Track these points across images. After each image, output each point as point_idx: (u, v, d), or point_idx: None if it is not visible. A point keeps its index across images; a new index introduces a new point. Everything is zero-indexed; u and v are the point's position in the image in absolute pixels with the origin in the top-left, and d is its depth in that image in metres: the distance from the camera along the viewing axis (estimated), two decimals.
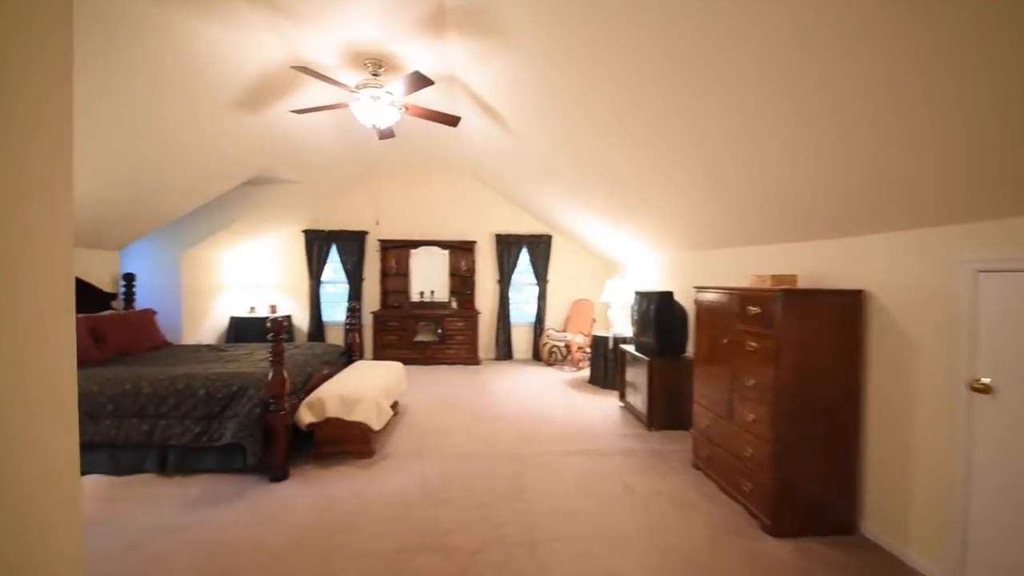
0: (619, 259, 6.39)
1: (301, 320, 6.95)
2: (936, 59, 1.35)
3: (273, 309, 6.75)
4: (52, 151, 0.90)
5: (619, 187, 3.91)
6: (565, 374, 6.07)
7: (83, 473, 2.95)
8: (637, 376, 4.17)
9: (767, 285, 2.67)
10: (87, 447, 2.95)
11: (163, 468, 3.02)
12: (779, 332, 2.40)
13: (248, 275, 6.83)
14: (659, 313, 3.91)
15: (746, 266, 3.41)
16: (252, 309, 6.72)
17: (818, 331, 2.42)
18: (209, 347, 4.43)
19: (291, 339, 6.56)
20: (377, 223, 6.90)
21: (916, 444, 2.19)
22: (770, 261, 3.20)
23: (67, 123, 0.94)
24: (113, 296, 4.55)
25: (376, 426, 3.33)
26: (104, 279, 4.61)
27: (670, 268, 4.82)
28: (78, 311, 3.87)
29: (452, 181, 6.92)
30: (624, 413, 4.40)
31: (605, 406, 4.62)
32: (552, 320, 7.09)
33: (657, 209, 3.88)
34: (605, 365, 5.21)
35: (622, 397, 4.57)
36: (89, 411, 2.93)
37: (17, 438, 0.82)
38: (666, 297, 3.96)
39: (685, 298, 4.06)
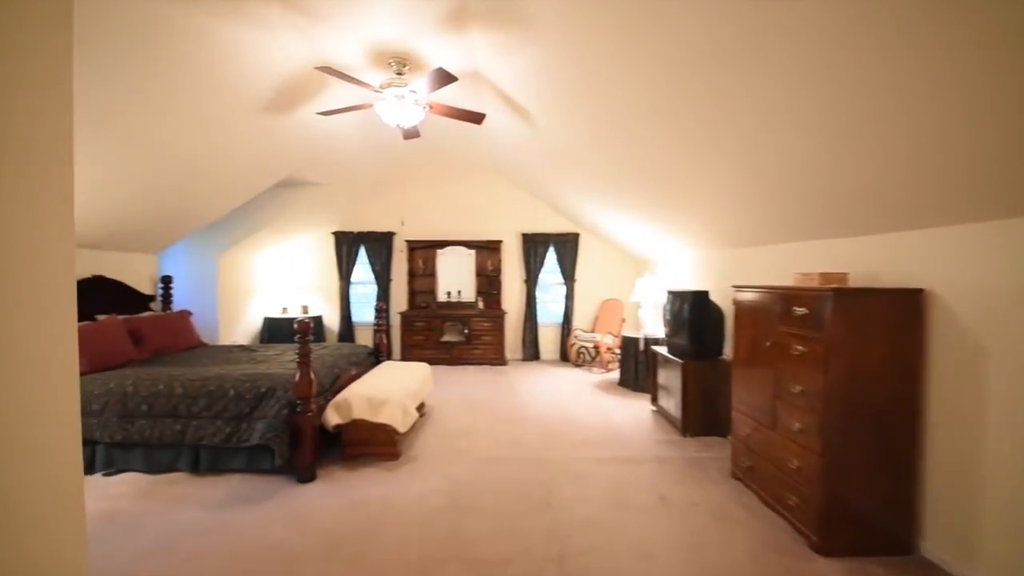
0: (650, 257, 6.19)
1: (332, 320, 7.05)
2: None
3: (305, 310, 6.87)
4: (52, 153, 0.87)
5: (651, 181, 3.75)
6: (594, 376, 5.92)
7: (119, 471, 3.04)
8: (670, 379, 4.00)
9: (815, 284, 2.48)
10: (123, 446, 3.03)
11: (195, 467, 3.07)
12: (829, 335, 2.21)
13: (281, 276, 6.97)
14: (693, 313, 3.73)
15: (789, 264, 3.20)
16: (285, 310, 6.85)
17: (872, 334, 2.22)
18: (241, 348, 4.51)
19: (321, 340, 6.66)
20: (402, 223, 6.92)
21: (987, 459, 1.97)
22: (816, 258, 2.98)
23: (67, 124, 0.91)
24: (152, 298, 4.70)
25: (402, 429, 3.30)
26: (143, 282, 4.77)
27: (704, 266, 4.61)
28: (119, 312, 4.04)
29: (477, 180, 6.87)
30: (656, 418, 4.23)
31: (636, 410, 4.46)
32: (580, 320, 6.94)
33: (692, 204, 3.70)
34: (636, 367, 5.04)
35: (654, 401, 4.40)
36: (125, 411, 3.00)
37: (17, 439, 0.80)
38: (701, 297, 3.77)
39: (721, 298, 3.87)
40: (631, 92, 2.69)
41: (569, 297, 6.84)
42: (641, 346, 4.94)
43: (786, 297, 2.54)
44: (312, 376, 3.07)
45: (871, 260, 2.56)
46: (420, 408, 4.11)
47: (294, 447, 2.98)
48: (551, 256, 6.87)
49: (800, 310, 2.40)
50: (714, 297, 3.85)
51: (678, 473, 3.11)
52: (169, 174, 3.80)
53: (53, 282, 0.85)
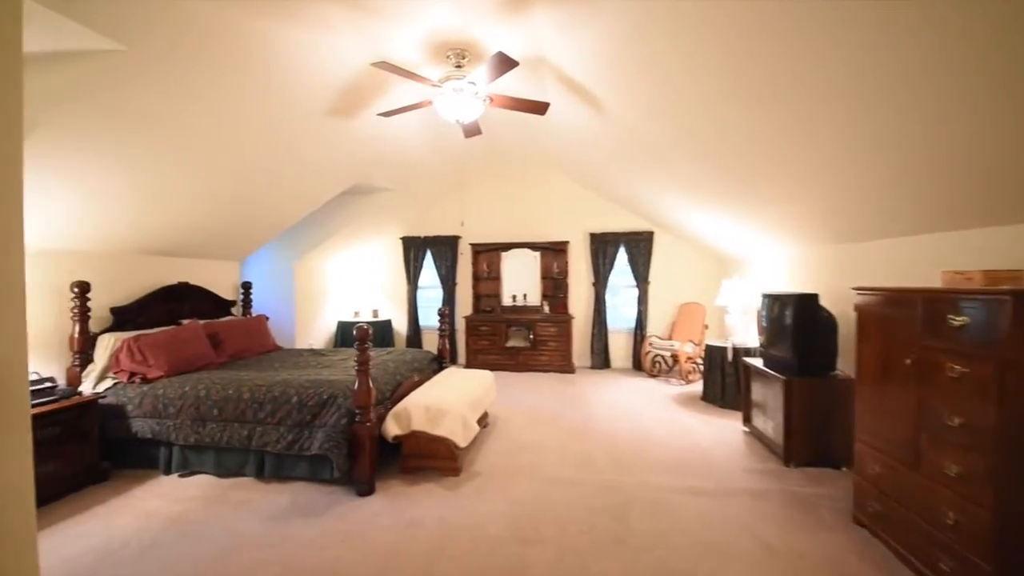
0: (738, 256, 5.52)
1: (400, 324, 7.11)
2: None
3: (375, 313, 6.99)
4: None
5: (741, 166, 3.25)
6: (671, 387, 5.38)
7: (192, 473, 3.12)
8: (768, 396, 3.44)
9: (976, 285, 1.91)
10: (196, 448, 3.10)
11: (261, 473, 3.07)
12: (1005, 352, 1.66)
13: (353, 281, 7.16)
14: (799, 321, 3.16)
15: (930, 260, 2.57)
16: (356, 313, 7.02)
17: None
18: (312, 351, 4.59)
19: (390, 344, 6.73)
20: (462, 224, 6.81)
21: None
22: (969, 252, 2.35)
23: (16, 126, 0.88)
24: (233, 303, 4.93)
25: (462, 443, 3.09)
26: (226, 288, 5.03)
27: (807, 265, 3.96)
28: (202, 317, 4.25)
29: (541, 179, 6.59)
30: (750, 440, 3.67)
31: (724, 430, 3.92)
32: (655, 326, 6.40)
33: (794, 190, 3.15)
34: (722, 380, 4.47)
35: (746, 420, 3.84)
36: (198, 414, 3.07)
37: None
38: (808, 301, 3.19)
39: (832, 302, 3.26)
40: (710, 69, 2.29)
41: (642, 301, 6.33)
42: (729, 356, 4.37)
43: (935, 302, 1.99)
44: (371, 384, 2.96)
45: None
46: (483, 418, 3.90)
47: (353, 458, 2.87)
48: (622, 257, 6.41)
49: (958, 319, 1.85)
50: (825, 302, 3.25)
51: (781, 512, 2.60)
52: (244, 183, 3.93)
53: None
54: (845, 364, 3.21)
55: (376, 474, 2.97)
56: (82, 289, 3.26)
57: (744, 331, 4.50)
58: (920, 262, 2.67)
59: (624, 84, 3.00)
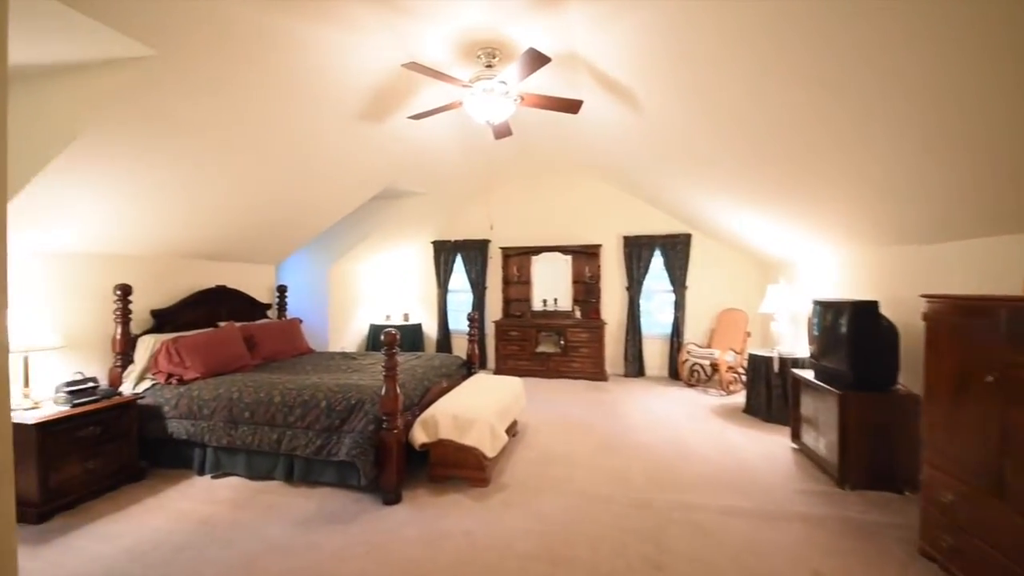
0: (784, 258, 5.20)
1: (431, 328, 7.10)
2: None
3: (406, 317, 7.01)
4: None
5: (789, 161, 3.02)
6: (711, 398, 5.12)
7: (224, 474, 3.14)
8: (819, 411, 3.18)
9: None
10: (228, 450, 3.13)
11: (290, 477, 3.06)
12: None
13: (385, 285, 7.21)
14: (856, 330, 2.90)
15: (1010, 264, 2.29)
16: (388, 317, 7.06)
17: None
18: (343, 355, 4.60)
19: (420, 348, 6.73)
20: (491, 227, 6.73)
21: None
22: None
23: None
24: (268, 306, 5.03)
25: (490, 453, 2.99)
26: (262, 291, 5.13)
27: (864, 268, 3.66)
28: (239, 320, 4.33)
29: (573, 181, 6.45)
30: (799, 459, 3.41)
31: (770, 446, 3.66)
32: (693, 333, 6.12)
33: (849, 186, 2.90)
34: (768, 392, 4.19)
35: (795, 436, 3.57)
36: (231, 416, 3.09)
37: None
38: (867, 309, 2.92)
39: (892, 309, 2.98)
40: (756, 54, 2.11)
41: (679, 306, 6.08)
42: (775, 367, 4.10)
43: (1023, 311, 1.75)
44: (398, 390, 2.91)
45: None
46: (512, 427, 3.79)
47: (380, 465, 2.82)
48: (657, 260, 6.18)
49: None
50: (885, 310, 2.97)
51: (838, 541, 2.36)
52: (280, 188, 3.99)
53: None
54: (908, 378, 2.92)
55: (404, 481, 2.91)
56: (124, 292, 3.36)
57: (792, 340, 4.21)
58: (999, 267, 2.39)
59: (662, 78, 2.85)
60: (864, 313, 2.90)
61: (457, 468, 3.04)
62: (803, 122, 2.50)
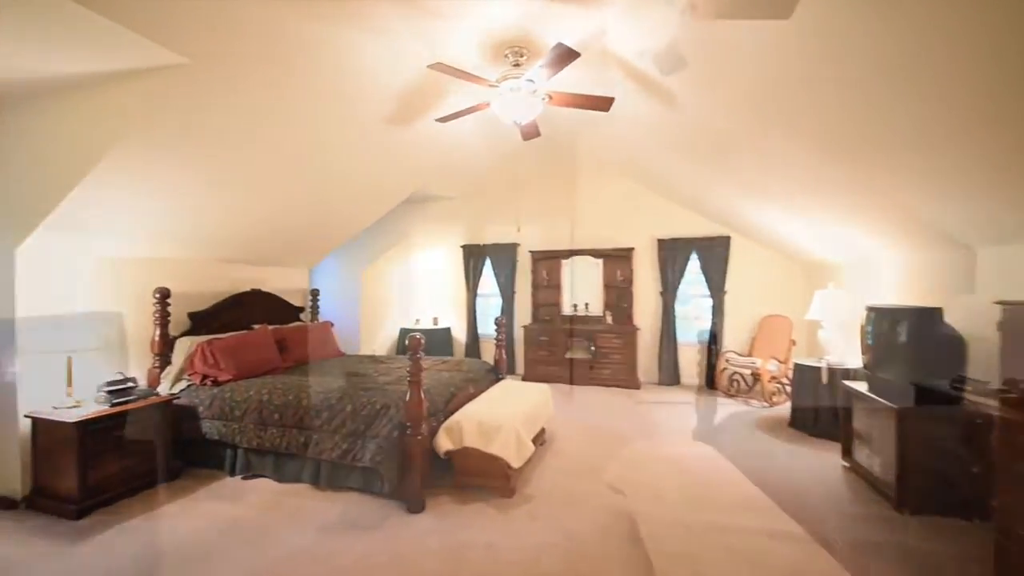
0: (831, 261, 4.87)
1: (460, 332, 7.08)
2: None
3: (435, 321, 7.02)
4: None
5: (839, 151, 2.80)
6: (752, 410, 4.84)
7: (254, 476, 3.18)
8: (874, 427, 2.92)
9: None
10: (258, 452, 3.16)
11: (316, 480, 3.06)
12: None
13: (416, 289, 7.25)
14: (916, 340, 2.65)
15: None
16: (418, 321, 7.10)
17: None
18: (371, 358, 4.62)
19: (448, 352, 6.71)
20: (518, 229, 6.63)
21: None
22: None
23: None
24: (301, 309, 5.12)
25: (515, 463, 2.90)
26: (296, 294, 5.24)
27: (924, 272, 3.36)
28: (272, 323, 4.42)
29: (603, 183, 6.29)
30: (851, 478, 3.14)
31: (818, 463, 3.40)
32: (732, 340, 5.83)
33: (906, 180, 2.66)
34: (816, 405, 3.91)
35: (846, 453, 3.30)
36: (260, 419, 3.13)
37: None
38: (928, 316, 2.67)
39: (961, 317, 2.70)
40: (825, 36, 1.94)
41: (717, 312, 5.81)
42: (824, 378, 3.81)
43: None
44: (423, 396, 2.86)
45: None
46: (539, 435, 3.68)
47: (403, 472, 2.78)
48: (693, 264, 5.93)
49: None
50: (951, 318, 2.70)
51: (896, 572, 2.13)
52: (311, 191, 4.06)
53: None
54: (978, 394, 2.63)
55: (428, 488, 2.86)
56: (163, 295, 3.47)
57: (842, 349, 3.92)
58: None
59: (700, 70, 2.70)
60: (925, 321, 2.65)
61: (481, 477, 2.96)
62: (858, 108, 2.29)
